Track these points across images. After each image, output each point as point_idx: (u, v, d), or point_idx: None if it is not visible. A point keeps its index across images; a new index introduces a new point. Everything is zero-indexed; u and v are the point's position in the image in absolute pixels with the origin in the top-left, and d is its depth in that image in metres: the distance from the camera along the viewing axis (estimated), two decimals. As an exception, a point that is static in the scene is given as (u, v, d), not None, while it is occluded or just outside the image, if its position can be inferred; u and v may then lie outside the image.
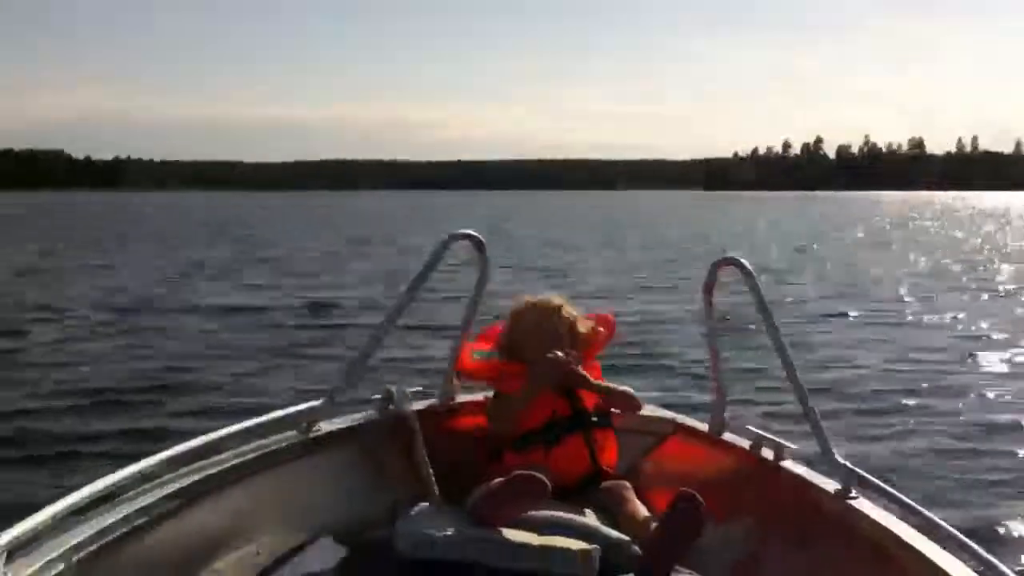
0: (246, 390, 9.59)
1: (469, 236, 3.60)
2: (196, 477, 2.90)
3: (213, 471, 2.96)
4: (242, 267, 24.73)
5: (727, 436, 3.60)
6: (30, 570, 2.23)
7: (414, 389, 3.64)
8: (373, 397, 3.57)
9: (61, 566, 2.33)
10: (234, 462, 3.05)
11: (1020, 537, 5.80)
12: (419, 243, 32.05)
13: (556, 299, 3.63)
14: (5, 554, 2.19)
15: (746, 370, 9.83)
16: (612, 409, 3.54)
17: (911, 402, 9.27)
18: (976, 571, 2.51)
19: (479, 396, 3.81)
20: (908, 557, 2.65)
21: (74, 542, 2.40)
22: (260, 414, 3.30)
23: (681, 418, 3.84)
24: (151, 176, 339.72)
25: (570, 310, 3.60)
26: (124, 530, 2.57)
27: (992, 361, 11.57)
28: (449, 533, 2.86)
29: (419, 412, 3.52)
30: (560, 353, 3.44)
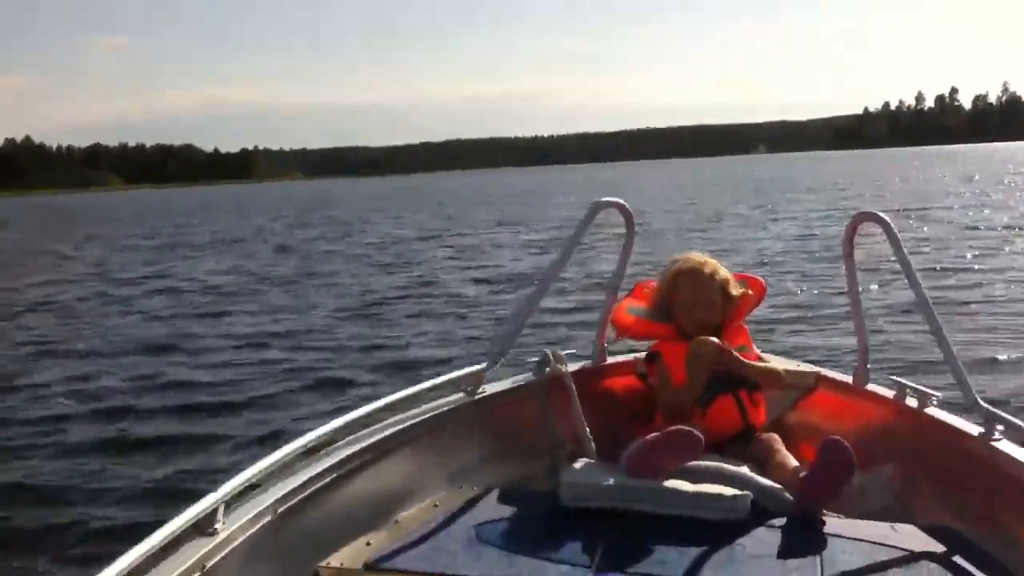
0: (418, 355, 10.50)
1: (615, 203, 3.76)
2: (376, 437, 3.15)
3: (391, 431, 3.21)
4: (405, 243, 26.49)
5: (871, 387, 3.67)
6: (243, 520, 2.51)
7: (568, 351, 3.81)
8: (530, 360, 3.77)
9: (268, 517, 2.60)
10: (410, 423, 3.30)
11: None
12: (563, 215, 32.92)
13: (710, 262, 3.67)
14: (222, 505, 2.47)
15: (888, 321, 9.86)
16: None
17: None
18: None
19: (629, 356, 3.98)
20: None
21: (277, 496, 2.66)
22: (429, 378, 3.56)
23: (825, 371, 3.92)
24: (279, 164, 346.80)
25: (723, 273, 3.65)
26: (318, 485, 2.84)
27: None
28: (608, 483, 3.03)
29: (573, 373, 3.68)
30: (714, 339, 3.48)
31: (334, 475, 2.93)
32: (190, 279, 20.07)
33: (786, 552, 2.72)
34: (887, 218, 3.49)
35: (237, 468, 2.67)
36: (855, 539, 2.80)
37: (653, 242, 20.37)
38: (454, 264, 20.03)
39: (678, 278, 3.64)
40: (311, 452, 2.93)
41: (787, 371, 3.70)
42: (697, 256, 3.71)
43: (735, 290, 3.65)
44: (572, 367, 3.77)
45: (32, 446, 7.59)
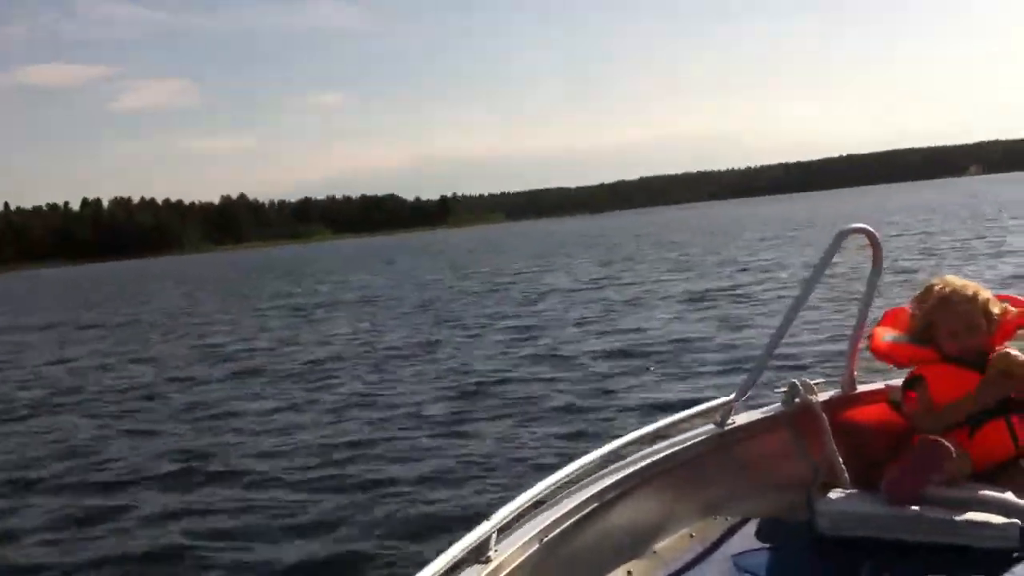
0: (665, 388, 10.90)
1: (862, 230, 3.72)
2: (632, 468, 3.21)
3: (646, 462, 3.27)
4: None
5: None
6: (513, 548, 2.62)
7: (816, 381, 3.78)
8: (779, 390, 3.76)
9: (536, 545, 2.71)
10: (663, 453, 3.35)
11: None
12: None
13: (970, 285, 3.57)
14: (495, 533, 2.58)
15: None
16: None
17: None
18: None
19: (880, 384, 3.92)
20: None
21: (544, 523, 2.77)
22: (678, 411, 3.60)
23: None
24: (475, 209, 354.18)
25: (985, 295, 3.55)
26: (581, 515, 2.93)
27: None
28: (866, 511, 3.00)
29: (823, 402, 3.65)
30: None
31: (595, 505, 3.00)
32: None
33: None
34: None
35: (507, 497, 2.79)
36: None
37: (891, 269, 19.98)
38: (706, 301, 20.18)
39: (942, 303, 3.53)
40: (572, 483, 3.02)
41: None
42: (957, 280, 3.61)
43: (996, 309, 3.54)
44: (821, 396, 3.75)
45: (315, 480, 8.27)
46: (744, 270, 26.02)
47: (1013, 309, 3.59)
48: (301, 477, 8.38)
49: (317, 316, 25.40)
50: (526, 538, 2.69)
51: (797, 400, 3.67)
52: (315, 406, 11.69)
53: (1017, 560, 2.74)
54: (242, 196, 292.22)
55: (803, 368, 9.40)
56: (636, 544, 3.11)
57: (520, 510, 2.73)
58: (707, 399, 3.73)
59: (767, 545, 3.05)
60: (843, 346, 4.01)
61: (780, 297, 18.30)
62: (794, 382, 3.70)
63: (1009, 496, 3.02)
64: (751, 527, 3.18)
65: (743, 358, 11.57)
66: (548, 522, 2.79)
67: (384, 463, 8.65)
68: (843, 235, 3.67)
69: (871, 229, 3.72)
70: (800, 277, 21.28)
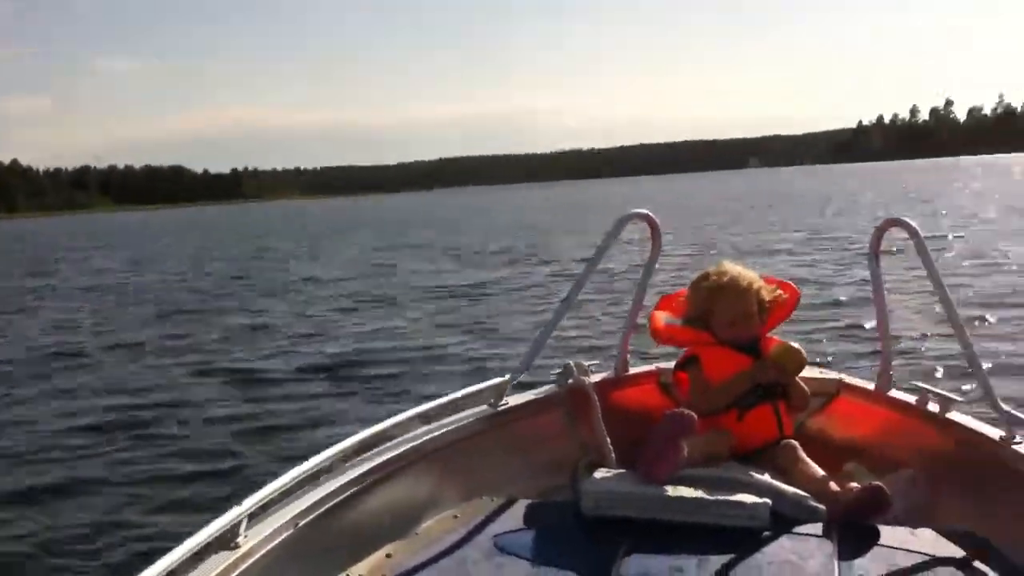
0: (439, 370, 10.61)
1: (642, 215, 3.77)
2: (398, 450, 3.17)
3: (413, 444, 3.23)
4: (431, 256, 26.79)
5: (893, 393, 3.67)
6: (265, 533, 2.53)
7: (590, 363, 3.82)
8: (553, 372, 3.78)
9: (290, 530, 2.63)
10: (432, 436, 3.31)
11: None
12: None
13: (745, 274, 3.63)
14: (245, 518, 2.49)
15: (911, 326, 10.10)
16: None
17: None
18: None
19: (651, 367, 4.00)
20: None
21: (299, 509, 2.69)
22: (453, 391, 3.58)
23: (847, 378, 3.92)
24: (271, 186, 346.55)
25: (759, 283, 3.63)
26: (340, 498, 2.86)
27: None
28: (628, 491, 3.03)
29: (596, 384, 3.69)
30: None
31: (355, 488, 2.95)
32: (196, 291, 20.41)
33: (806, 559, 2.72)
34: (914, 224, 3.49)
35: (260, 482, 2.69)
36: (876, 544, 2.80)
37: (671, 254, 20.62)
38: (478, 278, 20.09)
39: (718, 291, 3.60)
40: (334, 466, 2.95)
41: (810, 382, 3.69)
42: (732, 268, 3.67)
43: (768, 295, 3.64)
44: (594, 378, 3.78)
45: (51, 448, 7.85)
46: (533, 257, 25.62)
47: (784, 295, 3.70)
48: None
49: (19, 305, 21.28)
50: (279, 523, 2.60)
51: (570, 381, 3.70)
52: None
53: (767, 540, 2.82)
54: (15, 162, 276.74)
55: (583, 351, 9.56)
56: (398, 526, 3.06)
57: (275, 495, 2.65)
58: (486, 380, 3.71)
59: (531, 525, 3.04)
60: (620, 329, 4.06)
61: (554, 281, 18.40)
62: (568, 363, 3.73)
63: (763, 477, 3.12)
64: (518, 508, 3.16)
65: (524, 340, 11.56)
66: (304, 506, 2.72)
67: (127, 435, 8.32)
68: (624, 221, 3.73)
69: (651, 215, 3.78)
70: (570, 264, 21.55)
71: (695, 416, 3.15)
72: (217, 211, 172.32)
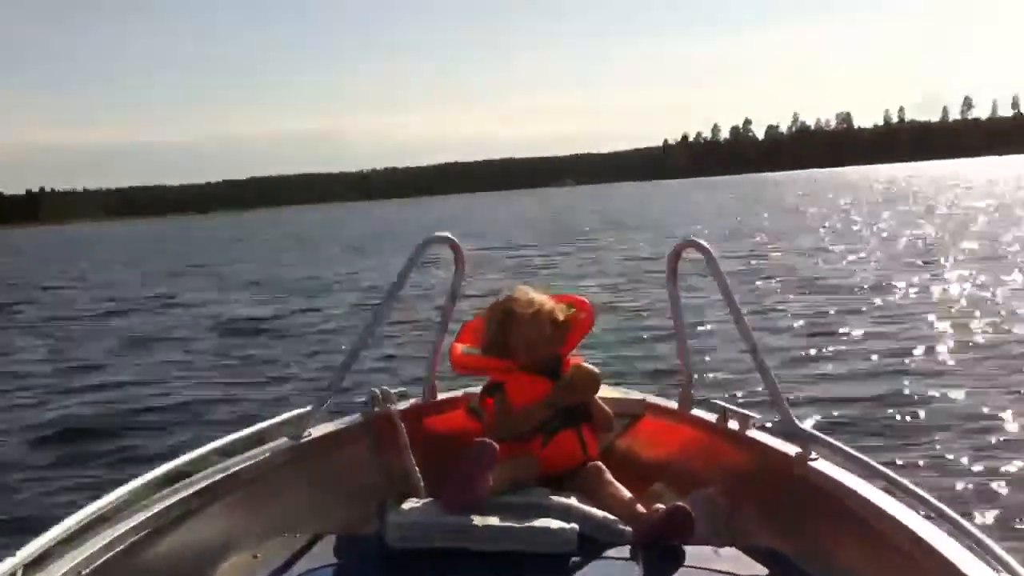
0: (233, 405, 9.86)
1: (444, 239, 3.74)
2: (193, 489, 3.02)
3: (209, 482, 3.09)
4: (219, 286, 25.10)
5: (695, 412, 3.76)
6: None
7: (397, 390, 3.73)
8: (358, 400, 3.69)
9: None
10: (230, 472, 3.18)
11: (977, 490, 6.04)
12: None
13: (535, 298, 3.63)
14: (21, 569, 2.32)
15: (710, 347, 10.29)
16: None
17: (865, 366, 9.73)
18: (932, 521, 2.68)
19: (459, 392, 3.96)
20: (869, 515, 2.82)
21: (82, 556, 2.52)
22: (252, 425, 3.45)
23: (651, 398, 3.99)
24: (72, 206, 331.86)
25: (549, 305, 3.62)
26: (129, 542, 2.70)
27: (943, 324, 11.87)
28: (434, 521, 2.98)
29: (403, 411, 3.61)
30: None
31: (146, 531, 2.79)
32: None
33: None
34: (708, 245, 3.58)
35: (38, 529, 2.51)
36: (681, 565, 2.83)
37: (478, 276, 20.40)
38: (275, 305, 19.37)
39: (510, 317, 3.61)
40: (122, 508, 2.80)
41: (615, 403, 3.73)
42: (523, 291, 3.68)
43: (562, 315, 3.64)
44: (402, 405, 3.72)
45: None
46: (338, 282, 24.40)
47: (579, 312, 3.71)
48: None
49: None
50: (61, 572, 2.43)
51: (376, 409, 3.59)
52: None
53: (575, 565, 2.81)
54: None
55: (391, 379, 9.20)
56: (193, 570, 2.91)
57: (54, 542, 2.48)
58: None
59: (336, 562, 2.93)
60: (427, 355, 4.01)
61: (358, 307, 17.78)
62: (374, 391, 3.62)
63: (570, 501, 3.11)
64: (324, 544, 3.05)
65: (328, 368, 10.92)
66: (91, 552, 2.54)
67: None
68: (426, 244, 3.69)
69: (453, 238, 3.76)
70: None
71: (496, 446, 3.11)
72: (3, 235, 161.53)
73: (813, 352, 10.55)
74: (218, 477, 3.13)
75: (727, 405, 3.61)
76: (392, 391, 3.67)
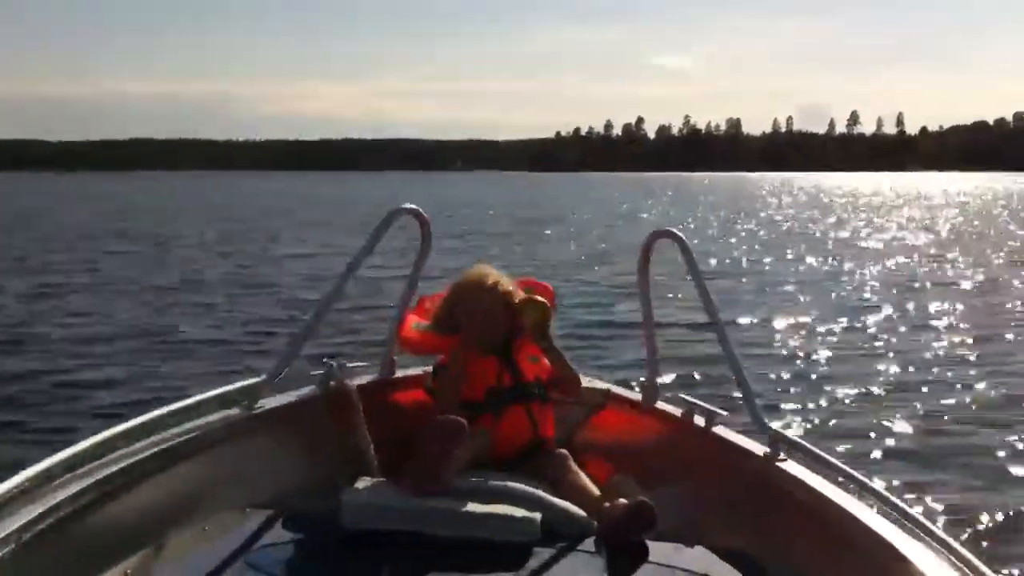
0: (184, 372, 9.47)
1: (412, 211, 3.64)
2: (141, 455, 2.88)
3: (157, 450, 2.94)
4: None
5: (660, 405, 3.71)
6: None
7: (354, 364, 3.66)
8: (314, 373, 3.57)
9: (11, 546, 2.32)
10: (178, 440, 3.04)
11: (941, 492, 6.15)
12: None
13: (492, 274, 3.59)
14: None
15: (678, 340, 10.27)
16: (554, 387, 3.57)
17: (833, 369, 10.00)
18: (898, 525, 2.67)
19: (419, 370, 3.85)
20: (834, 514, 2.81)
21: (21, 522, 2.38)
22: (201, 391, 3.30)
23: (615, 388, 3.93)
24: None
25: (506, 285, 3.57)
26: (70, 509, 2.56)
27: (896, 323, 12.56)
28: (392, 503, 2.90)
29: (359, 387, 3.53)
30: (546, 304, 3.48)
31: (88, 498, 2.63)
32: None
33: (574, 574, 2.70)
34: (683, 236, 3.55)
35: None
36: (645, 561, 2.80)
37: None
38: (231, 270, 18.77)
39: (459, 292, 3.57)
40: (61, 475, 2.63)
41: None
42: (478, 269, 3.63)
43: (518, 299, 3.57)
44: (359, 380, 3.62)
45: None
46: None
47: (539, 296, 3.64)
48: None
49: None
50: None
51: (332, 383, 3.49)
52: None
53: (537, 555, 2.77)
54: None
55: (348, 352, 8.87)
56: (139, 540, 2.77)
57: None
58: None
59: (288, 539, 2.85)
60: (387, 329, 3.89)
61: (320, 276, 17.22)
62: (330, 364, 3.54)
63: (531, 489, 3.05)
64: (274, 520, 2.95)
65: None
66: (27, 519, 2.39)
67: None
68: (393, 215, 3.59)
69: (420, 210, 3.67)
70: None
71: (465, 423, 3.03)
72: None
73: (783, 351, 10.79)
74: (165, 445, 2.98)
75: (693, 400, 3.58)
76: (349, 365, 3.61)
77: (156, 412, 3.04)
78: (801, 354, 10.72)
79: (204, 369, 9.56)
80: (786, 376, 9.57)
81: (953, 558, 2.49)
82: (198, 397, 3.25)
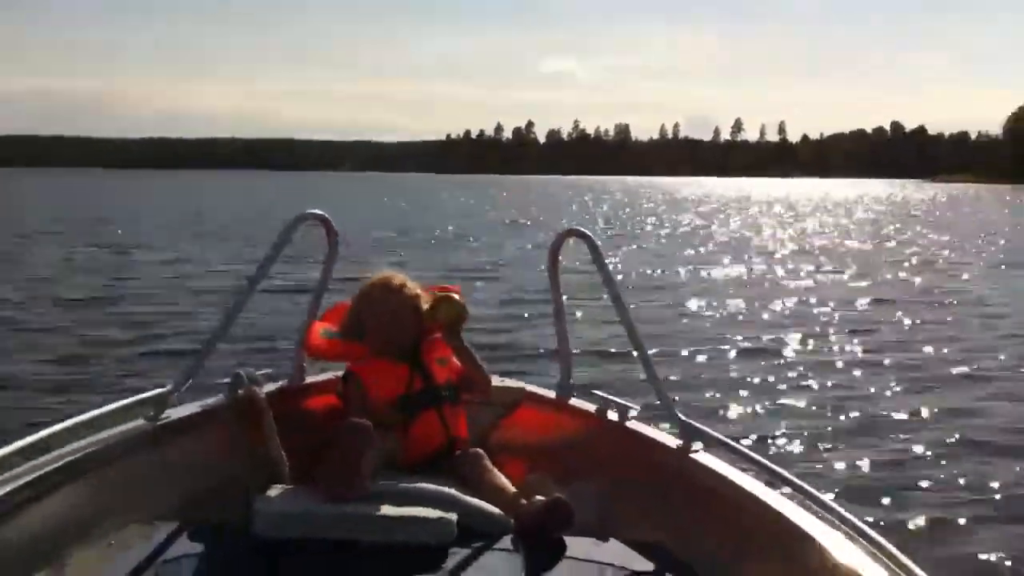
0: (85, 383, 8.98)
1: (318, 216, 3.59)
2: (41, 472, 2.79)
3: (59, 464, 2.85)
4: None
5: (574, 401, 3.73)
6: None
7: (264, 371, 3.59)
8: (222, 382, 3.49)
9: None
10: (81, 454, 2.95)
11: (852, 480, 6.34)
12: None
13: (397, 277, 3.57)
14: None
15: (589, 336, 10.40)
16: (465, 388, 3.55)
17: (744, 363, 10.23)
18: (812, 512, 2.73)
19: (330, 375, 3.79)
20: (749, 505, 2.85)
21: None
22: (104, 403, 3.20)
23: (529, 386, 3.93)
24: None
25: (412, 289, 3.55)
26: None
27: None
28: (305, 510, 2.86)
29: (269, 394, 3.45)
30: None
31: None
32: None
33: (494, 574, 2.70)
34: (591, 234, 3.58)
35: None
36: (563, 557, 2.81)
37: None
38: (131, 275, 17.90)
39: (365, 297, 3.54)
40: None
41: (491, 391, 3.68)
42: (385, 274, 3.60)
43: (427, 304, 3.54)
44: (269, 387, 3.55)
45: None
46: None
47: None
48: None
49: None
50: None
51: (240, 391, 3.39)
52: None
53: (454, 555, 2.76)
54: None
55: (257, 360, 8.65)
56: (41, 558, 2.68)
57: None
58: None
59: (198, 550, 2.77)
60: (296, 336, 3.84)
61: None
62: (239, 372, 3.45)
63: (446, 489, 3.04)
64: (183, 533, 2.87)
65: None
66: None
67: None
68: (299, 220, 3.55)
69: (325, 216, 3.63)
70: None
71: (371, 426, 3.00)
72: None
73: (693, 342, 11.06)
74: (69, 459, 2.89)
75: (606, 395, 3.60)
76: (258, 373, 3.52)
77: (57, 426, 2.94)
78: (709, 346, 11.04)
79: (107, 382, 9.10)
80: (697, 368, 9.81)
81: (864, 540, 2.53)
82: (102, 409, 3.15)
